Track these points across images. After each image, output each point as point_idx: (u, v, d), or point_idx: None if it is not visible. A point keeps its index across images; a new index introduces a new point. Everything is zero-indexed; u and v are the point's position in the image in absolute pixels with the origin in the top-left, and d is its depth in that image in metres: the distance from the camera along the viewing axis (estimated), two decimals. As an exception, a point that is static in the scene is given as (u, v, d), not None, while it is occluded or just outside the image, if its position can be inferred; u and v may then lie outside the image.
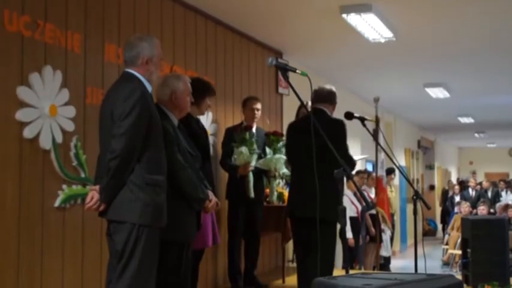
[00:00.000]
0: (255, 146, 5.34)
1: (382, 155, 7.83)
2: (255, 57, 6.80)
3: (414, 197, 4.08)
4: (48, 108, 3.80)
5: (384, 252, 9.15)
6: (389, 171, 9.75)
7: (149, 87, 3.34)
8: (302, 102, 3.11)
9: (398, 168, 4.26)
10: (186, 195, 3.60)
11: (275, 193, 5.67)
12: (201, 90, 4.29)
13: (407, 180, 4.76)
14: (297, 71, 3.02)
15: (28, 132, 3.69)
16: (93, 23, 4.29)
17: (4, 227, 3.54)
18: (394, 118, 13.11)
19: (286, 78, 2.91)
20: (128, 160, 3.11)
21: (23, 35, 3.72)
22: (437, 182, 19.65)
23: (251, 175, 5.30)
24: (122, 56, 4.56)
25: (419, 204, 4.00)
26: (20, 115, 3.65)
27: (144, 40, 3.38)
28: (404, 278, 2.35)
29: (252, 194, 5.29)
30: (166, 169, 3.35)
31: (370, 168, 9.79)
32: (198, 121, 4.52)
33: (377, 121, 8.25)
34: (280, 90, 7.37)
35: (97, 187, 3.19)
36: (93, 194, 3.19)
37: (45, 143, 3.79)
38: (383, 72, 8.83)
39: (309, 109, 5.16)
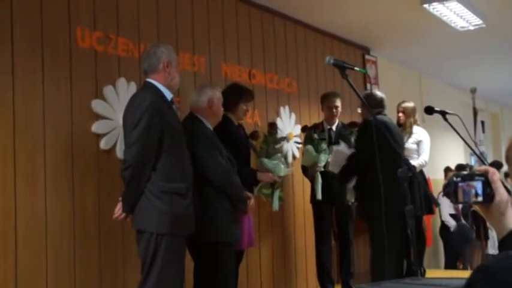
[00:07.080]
0: (323, 145, 5.08)
1: (482, 148, 7.43)
2: (339, 55, 6.64)
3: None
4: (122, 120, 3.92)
5: (491, 250, 8.60)
6: (497, 165, 9.16)
7: (169, 95, 3.29)
8: (362, 100, 2.97)
9: (483, 160, 3.98)
10: (232, 197, 3.63)
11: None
12: (235, 96, 4.24)
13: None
14: (355, 68, 2.92)
15: (104, 144, 3.84)
16: (166, 33, 4.38)
17: (86, 235, 3.70)
18: (500, 108, 12.33)
19: (345, 77, 2.80)
20: (140, 169, 3.09)
21: (96, 50, 3.87)
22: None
23: (319, 175, 5.03)
24: (197, 64, 4.67)
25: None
26: (96, 127, 3.80)
27: (161, 46, 3.40)
28: (451, 284, 2.18)
29: (319, 196, 5.00)
30: (192, 175, 3.30)
31: (472, 162, 9.28)
32: (239, 127, 4.42)
33: (475, 113, 7.82)
34: (368, 86, 7.16)
35: None
36: (120, 204, 3.24)
37: (122, 153, 3.90)
38: (478, 60, 8.28)
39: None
